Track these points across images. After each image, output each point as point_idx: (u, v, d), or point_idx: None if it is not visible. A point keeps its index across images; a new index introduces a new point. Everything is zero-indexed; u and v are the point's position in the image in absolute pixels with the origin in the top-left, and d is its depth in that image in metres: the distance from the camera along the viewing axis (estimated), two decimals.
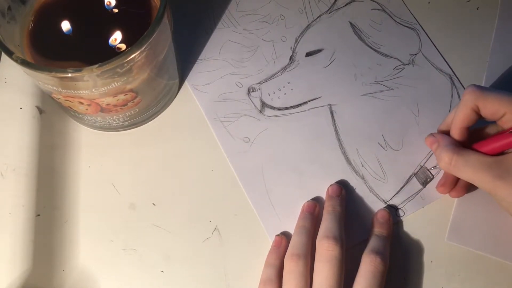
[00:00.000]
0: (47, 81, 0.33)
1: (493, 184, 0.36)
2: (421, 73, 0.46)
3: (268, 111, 0.45)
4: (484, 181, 0.36)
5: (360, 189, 0.42)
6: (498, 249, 0.40)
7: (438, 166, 0.42)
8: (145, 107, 0.41)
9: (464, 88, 0.45)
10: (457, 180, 0.40)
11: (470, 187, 0.41)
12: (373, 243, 0.39)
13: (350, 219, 0.41)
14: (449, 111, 0.43)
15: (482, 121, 0.39)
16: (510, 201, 0.36)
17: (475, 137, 0.40)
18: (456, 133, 0.39)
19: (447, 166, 0.38)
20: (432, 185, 0.42)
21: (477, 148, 0.38)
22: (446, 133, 0.40)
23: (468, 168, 0.37)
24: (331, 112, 0.45)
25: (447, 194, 0.41)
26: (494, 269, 0.40)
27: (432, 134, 0.41)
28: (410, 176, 0.43)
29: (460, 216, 0.41)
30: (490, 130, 0.40)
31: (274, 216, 0.41)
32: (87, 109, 0.38)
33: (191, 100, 0.45)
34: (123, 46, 0.37)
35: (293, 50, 0.47)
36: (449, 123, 0.40)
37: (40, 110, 0.44)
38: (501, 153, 0.37)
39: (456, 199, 0.42)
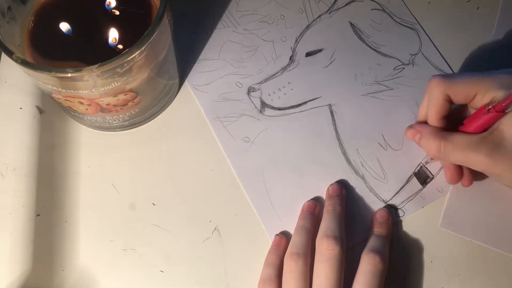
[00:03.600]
0: (47, 81, 0.33)
1: (485, 164, 0.36)
2: (421, 73, 0.46)
3: (268, 111, 0.45)
4: (475, 162, 0.36)
5: (360, 189, 0.42)
6: (490, 237, 0.40)
7: (431, 160, 0.41)
8: (145, 107, 0.41)
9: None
10: (460, 167, 0.40)
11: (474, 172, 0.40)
12: (372, 242, 0.39)
13: (350, 219, 0.41)
14: None
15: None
16: (506, 177, 0.36)
17: (453, 118, 0.40)
18: (435, 125, 0.39)
19: (437, 154, 0.38)
20: (432, 185, 0.42)
21: (462, 130, 0.38)
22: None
23: (457, 151, 0.37)
24: (331, 112, 0.45)
25: (453, 187, 0.41)
26: (494, 269, 0.40)
27: (411, 126, 0.41)
28: (410, 176, 0.43)
29: (453, 203, 0.42)
30: (467, 108, 0.40)
31: (274, 216, 0.41)
32: (87, 109, 0.38)
33: (191, 100, 0.45)
34: (123, 47, 0.37)
35: (293, 50, 0.47)
36: (425, 115, 0.40)
37: (40, 110, 0.44)
38: (484, 130, 0.37)
39: (450, 187, 0.42)
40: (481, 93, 0.36)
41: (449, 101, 0.38)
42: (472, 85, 0.37)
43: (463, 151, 0.37)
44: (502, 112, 0.35)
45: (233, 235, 0.41)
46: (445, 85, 0.37)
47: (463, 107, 0.40)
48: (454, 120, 0.40)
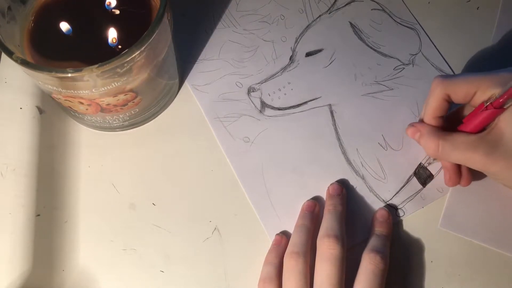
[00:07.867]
0: (47, 81, 0.33)
1: (483, 163, 0.36)
2: (421, 73, 0.46)
3: (268, 111, 0.45)
4: (473, 161, 0.37)
5: (360, 189, 0.42)
6: (490, 237, 0.41)
7: (432, 160, 0.41)
8: (145, 107, 0.41)
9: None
10: (459, 168, 0.40)
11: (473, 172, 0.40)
12: (373, 242, 0.39)
13: (350, 219, 0.41)
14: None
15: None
16: (503, 176, 0.37)
17: (453, 119, 0.40)
18: (430, 123, 0.39)
19: (435, 153, 0.38)
20: (432, 185, 0.42)
21: (460, 130, 0.38)
22: None
23: (456, 151, 0.37)
24: (331, 112, 0.45)
25: (451, 187, 0.41)
26: (494, 269, 0.40)
27: (412, 124, 0.41)
28: (410, 176, 0.43)
29: (453, 203, 0.42)
30: (467, 109, 0.40)
31: (274, 216, 0.41)
32: (87, 109, 0.38)
33: (191, 100, 0.45)
34: (123, 47, 0.37)
35: (293, 50, 0.47)
36: None
37: (40, 110, 0.44)
38: (483, 129, 0.37)
39: (450, 187, 0.42)
40: (481, 90, 0.37)
41: (448, 101, 0.38)
42: (472, 83, 0.37)
43: (462, 150, 0.37)
44: (500, 109, 0.36)
45: (233, 235, 0.41)
46: (446, 83, 0.38)
47: (463, 108, 0.40)
48: (454, 120, 0.40)
